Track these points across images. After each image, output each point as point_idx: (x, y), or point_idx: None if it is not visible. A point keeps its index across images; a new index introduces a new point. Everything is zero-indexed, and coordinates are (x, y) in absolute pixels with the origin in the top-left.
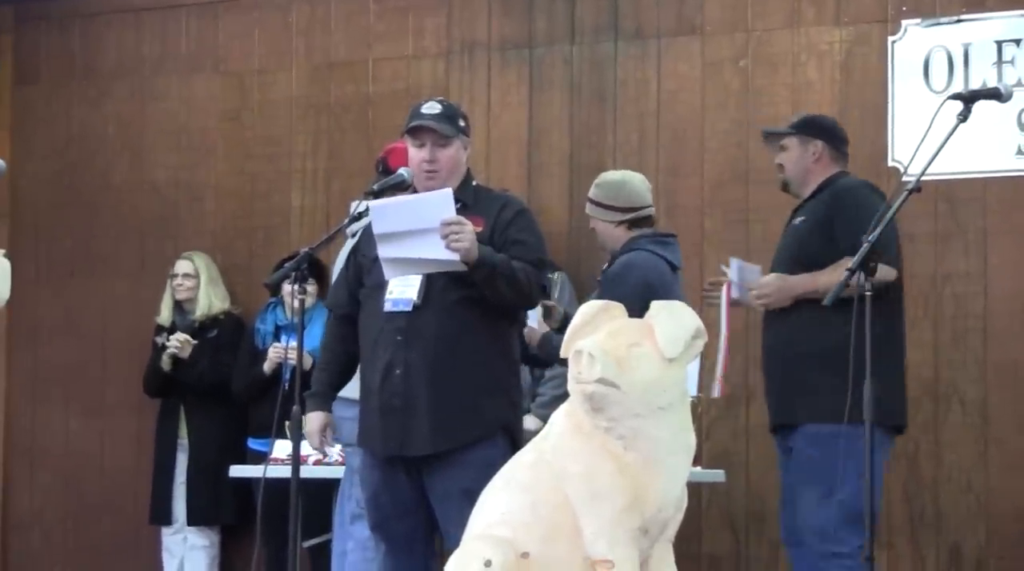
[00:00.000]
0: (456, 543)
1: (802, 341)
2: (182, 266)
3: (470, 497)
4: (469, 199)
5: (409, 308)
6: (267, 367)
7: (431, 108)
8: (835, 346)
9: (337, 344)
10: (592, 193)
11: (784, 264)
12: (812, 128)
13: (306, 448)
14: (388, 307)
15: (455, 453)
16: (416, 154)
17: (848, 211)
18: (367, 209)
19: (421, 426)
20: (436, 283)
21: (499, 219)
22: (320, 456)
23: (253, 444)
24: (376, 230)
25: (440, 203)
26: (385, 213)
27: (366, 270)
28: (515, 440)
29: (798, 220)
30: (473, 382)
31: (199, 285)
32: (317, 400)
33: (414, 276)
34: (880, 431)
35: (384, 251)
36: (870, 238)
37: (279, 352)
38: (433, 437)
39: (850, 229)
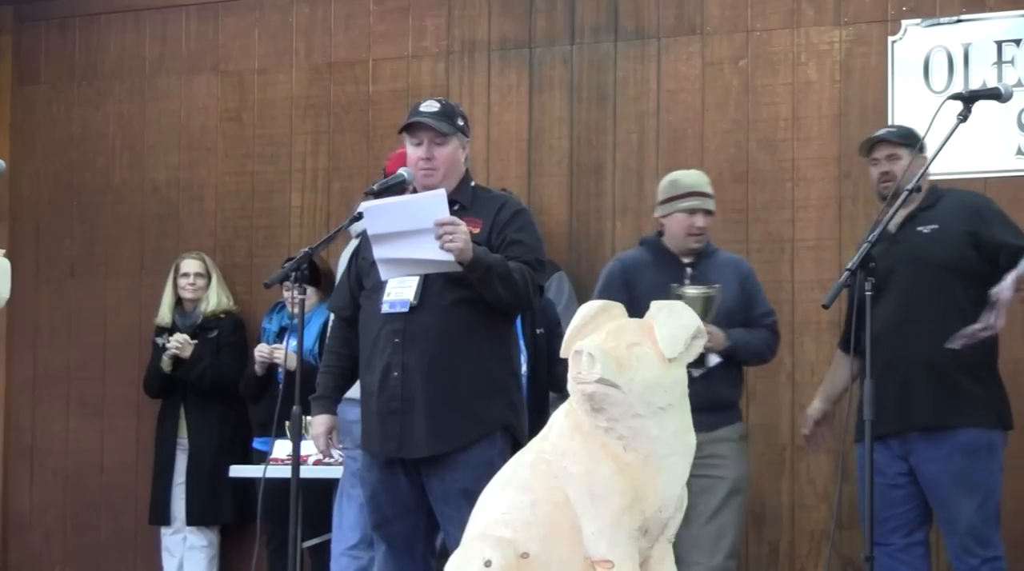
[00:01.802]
0: (456, 543)
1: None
2: (192, 265)
3: (469, 497)
4: (467, 200)
5: (405, 309)
6: (257, 368)
7: (429, 106)
8: (986, 355)
9: (341, 347)
10: (712, 191)
11: (933, 271)
12: (917, 141)
13: (306, 448)
14: (385, 309)
15: (454, 454)
16: (413, 152)
17: (996, 224)
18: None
19: (419, 428)
20: (433, 284)
21: (497, 219)
22: (321, 456)
23: (258, 444)
24: (370, 231)
25: (434, 203)
26: (379, 214)
27: (365, 272)
28: (516, 439)
29: (927, 228)
30: (470, 383)
31: (210, 284)
32: (322, 403)
33: (411, 277)
34: (1000, 434)
35: (379, 252)
36: (870, 238)
37: (263, 353)
38: (431, 439)
39: (1004, 239)
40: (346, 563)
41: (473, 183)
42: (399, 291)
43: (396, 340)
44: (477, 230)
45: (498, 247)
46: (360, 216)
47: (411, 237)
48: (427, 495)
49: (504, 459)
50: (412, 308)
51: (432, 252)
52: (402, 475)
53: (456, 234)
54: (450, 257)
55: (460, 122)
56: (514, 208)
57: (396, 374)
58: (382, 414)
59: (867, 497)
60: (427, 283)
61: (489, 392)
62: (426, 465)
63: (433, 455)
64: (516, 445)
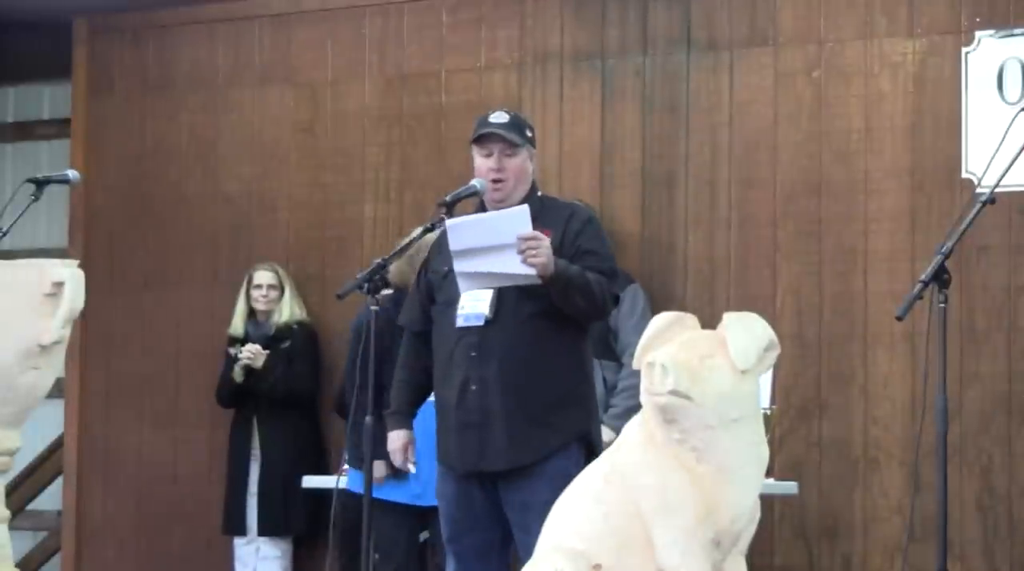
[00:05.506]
0: (530, 555)
1: None
2: (265, 277)
3: (545, 509)
4: (535, 210)
5: (481, 322)
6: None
7: (499, 118)
8: None
9: (414, 361)
10: None
11: None
12: None
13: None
14: (460, 322)
15: (532, 466)
16: (483, 163)
17: None
18: (439, 222)
19: (498, 441)
20: (507, 297)
21: (568, 229)
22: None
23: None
24: (453, 247)
25: (517, 219)
26: (461, 230)
27: (436, 286)
28: (592, 450)
29: None
30: (548, 395)
31: (283, 296)
32: (398, 419)
33: (484, 291)
34: None
35: (460, 266)
36: (943, 250)
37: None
38: (509, 452)
39: None
40: None
41: (540, 193)
42: (473, 305)
43: (472, 354)
44: (548, 239)
45: (571, 257)
46: (432, 227)
47: (493, 252)
48: (502, 508)
49: (580, 469)
50: (487, 321)
51: (514, 266)
52: (477, 488)
53: (540, 248)
54: (532, 271)
55: (528, 134)
56: (584, 217)
57: (474, 388)
58: (460, 428)
59: (941, 512)
60: (501, 297)
61: (566, 403)
62: (503, 478)
63: (511, 468)
64: (592, 455)
